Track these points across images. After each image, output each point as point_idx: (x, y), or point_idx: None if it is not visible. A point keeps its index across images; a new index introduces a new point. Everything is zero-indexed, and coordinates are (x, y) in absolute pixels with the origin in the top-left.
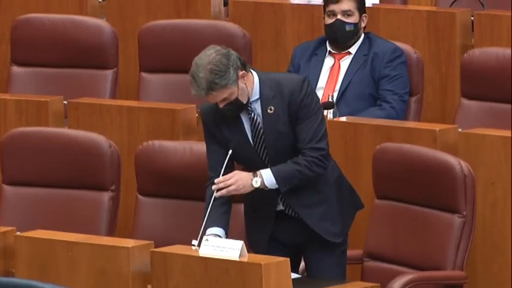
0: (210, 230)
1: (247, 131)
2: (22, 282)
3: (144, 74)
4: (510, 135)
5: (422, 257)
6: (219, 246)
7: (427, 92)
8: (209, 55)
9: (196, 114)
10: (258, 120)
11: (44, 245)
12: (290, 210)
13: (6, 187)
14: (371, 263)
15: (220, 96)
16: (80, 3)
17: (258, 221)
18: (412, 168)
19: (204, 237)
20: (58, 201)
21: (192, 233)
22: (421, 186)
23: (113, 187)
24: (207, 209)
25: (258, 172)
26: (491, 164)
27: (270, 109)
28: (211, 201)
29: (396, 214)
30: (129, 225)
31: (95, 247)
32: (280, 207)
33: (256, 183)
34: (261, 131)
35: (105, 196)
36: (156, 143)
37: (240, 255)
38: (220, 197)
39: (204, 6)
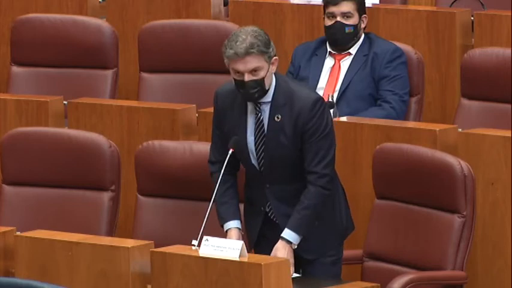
0: (231, 224)
1: (248, 131)
2: (22, 282)
3: (144, 74)
4: (510, 135)
5: (422, 257)
6: (219, 246)
7: (427, 92)
8: (253, 27)
9: (196, 114)
10: (263, 124)
11: (44, 245)
12: (272, 215)
13: (6, 187)
14: (371, 263)
15: (253, 63)
16: (80, 4)
17: (251, 216)
18: (412, 168)
19: (204, 237)
20: (58, 201)
21: (192, 233)
22: (421, 186)
23: (113, 187)
24: (216, 191)
25: (289, 241)
26: (491, 164)
27: (277, 117)
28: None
29: (396, 214)
30: (129, 225)
31: (95, 247)
32: (266, 209)
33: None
34: (264, 135)
35: (105, 196)
36: (156, 143)
37: (240, 255)
38: (232, 189)
39: (204, 6)
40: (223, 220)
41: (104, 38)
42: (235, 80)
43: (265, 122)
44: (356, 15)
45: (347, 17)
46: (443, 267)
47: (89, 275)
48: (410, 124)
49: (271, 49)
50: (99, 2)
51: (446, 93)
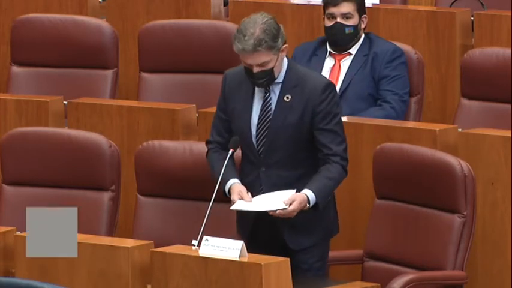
0: (233, 180)
1: (254, 110)
2: (22, 282)
3: (144, 74)
4: (510, 135)
5: (422, 257)
6: (219, 246)
7: (427, 92)
8: (263, 17)
9: (196, 114)
10: (271, 104)
11: None
12: None
13: (6, 187)
14: (371, 263)
15: (261, 58)
16: (80, 3)
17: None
18: (412, 168)
19: (204, 237)
20: (58, 201)
21: (192, 233)
22: (421, 186)
23: (113, 187)
24: (216, 167)
25: (309, 201)
26: (491, 164)
27: (287, 97)
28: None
29: (396, 214)
30: (129, 225)
31: (95, 247)
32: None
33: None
34: (270, 115)
35: (105, 196)
36: (156, 143)
37: (240, 255)
38: (230, 159)
39: (204, 6)
40: (224, 181)
41: (104, 38)
42: (244, 67)
43: (273, 101)
44: (356, 16)
45: (347, 17)
46: (443, 267)
47: (88, 275)
48: (410, 124)
49: (279, 40)
50: (99, 2)
51: (446, 93)
